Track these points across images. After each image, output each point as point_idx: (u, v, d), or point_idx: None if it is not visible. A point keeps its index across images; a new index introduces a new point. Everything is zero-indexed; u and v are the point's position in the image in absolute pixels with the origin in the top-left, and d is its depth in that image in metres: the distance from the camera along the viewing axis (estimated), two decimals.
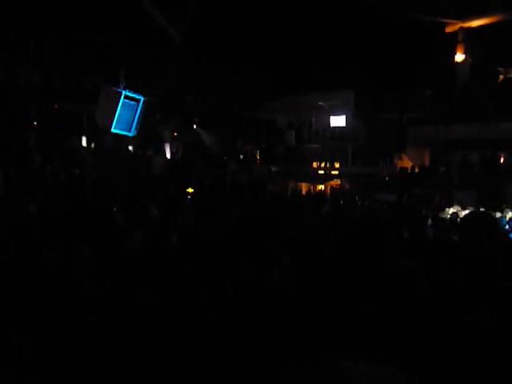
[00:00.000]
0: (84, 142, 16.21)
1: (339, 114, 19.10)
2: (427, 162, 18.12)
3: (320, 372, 0.98)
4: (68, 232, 3.92)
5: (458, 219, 8.52)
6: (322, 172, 19.43)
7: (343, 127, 19.10)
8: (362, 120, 18.53)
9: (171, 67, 16.07)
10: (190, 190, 16.70)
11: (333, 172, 19.27)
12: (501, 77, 16.43)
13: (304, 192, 18.99)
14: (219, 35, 13.20)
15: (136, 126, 12.72)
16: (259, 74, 16.25)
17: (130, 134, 12.85)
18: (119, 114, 12.04)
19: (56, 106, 15.12)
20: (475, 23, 15.84)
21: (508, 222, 10.11)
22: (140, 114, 12.67)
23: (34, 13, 11.63)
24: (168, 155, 18.80)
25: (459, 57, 16.57)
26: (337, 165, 19.00)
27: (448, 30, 16.35)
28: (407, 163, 18.05)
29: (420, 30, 14.65)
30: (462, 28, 16.24)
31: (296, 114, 20.24)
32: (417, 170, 17.42)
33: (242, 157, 19.65)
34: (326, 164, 19.26)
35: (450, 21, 16.08)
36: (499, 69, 16.41)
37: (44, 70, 14.12)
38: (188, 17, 8.87)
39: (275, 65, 15.68)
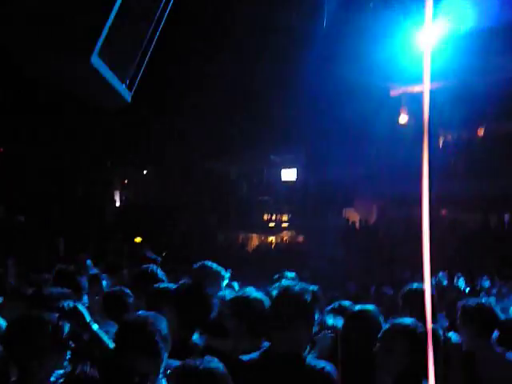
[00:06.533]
0: None
1: (290, 168, 19.53)
2: (374, 217, 18.60)
3: None
4: None
5: None
6: (272, 224, 19.57)
7: (294, 180, 19.50)
8: (312, 174, 18.95)
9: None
10: (138, 239, 16.37)
11: (283, 225, 19.44)
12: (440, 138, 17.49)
13: (254, 243, 19.06)
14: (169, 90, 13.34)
15: None
16: (211, 129, 16.46)
17: None
18: None
19: None
20: (416, 89, 16.88)
21: None
22: None
23: None
24: (118, 203, 18.53)
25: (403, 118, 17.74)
26: (285, 217, 19.21)
27: (393, 93, 17.43)
28: (355, 217, 18.45)
29: (366, 93, 15.45)
30: (404, 92, 17.36)
31: (248, 166, 20.52)
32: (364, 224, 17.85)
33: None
34: (276, 216, 19.44)
35: (394, 85, 17.21)
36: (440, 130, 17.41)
37: None
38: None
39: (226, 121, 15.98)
